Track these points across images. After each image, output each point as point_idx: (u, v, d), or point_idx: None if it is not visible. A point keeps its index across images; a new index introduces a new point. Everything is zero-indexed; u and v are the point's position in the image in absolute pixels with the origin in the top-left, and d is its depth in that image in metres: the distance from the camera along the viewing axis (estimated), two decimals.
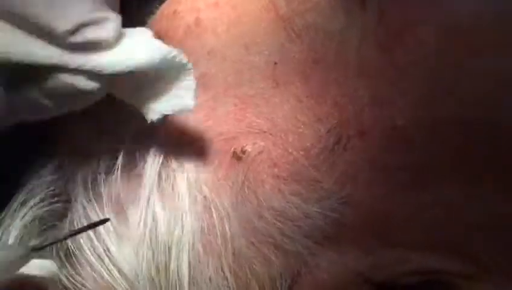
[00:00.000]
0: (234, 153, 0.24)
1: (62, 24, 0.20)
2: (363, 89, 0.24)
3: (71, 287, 0.24)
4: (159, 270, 0.23)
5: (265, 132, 0.24)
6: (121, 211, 0.24)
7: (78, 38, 0.20)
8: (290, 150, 0.24)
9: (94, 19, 0.21)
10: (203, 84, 0.25)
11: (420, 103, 0.23)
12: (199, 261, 0.23)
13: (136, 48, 0.21)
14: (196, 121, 0.25)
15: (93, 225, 0.23)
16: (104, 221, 0.23)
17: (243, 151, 0.24)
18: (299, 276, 0.24)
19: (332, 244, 0.24)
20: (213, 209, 0.23)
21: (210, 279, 0.23)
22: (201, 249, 0.23)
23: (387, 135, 0.23)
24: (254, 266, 0.23)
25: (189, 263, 0.23)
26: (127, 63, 0.21)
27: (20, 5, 0.20)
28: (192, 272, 0.23)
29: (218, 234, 0.23)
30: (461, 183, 0.23)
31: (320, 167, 0.23)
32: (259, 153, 0.24)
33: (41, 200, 0.26)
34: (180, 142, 0.25)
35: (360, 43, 0.24)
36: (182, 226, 0.23)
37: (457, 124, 0.23)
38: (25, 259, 0.22)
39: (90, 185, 0.25)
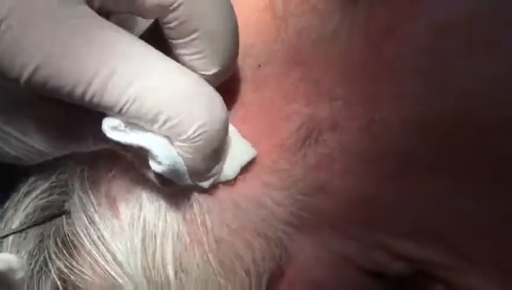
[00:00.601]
0: None
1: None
2: (344, 86, 0.24)
3: (70, 275, 0.26)
4: (147, 259, 0.25)
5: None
6: (114, 204, 0.26)
7: None
8: (260, 148, 0.25)
9: None
10: None
11: (403, 98, 0.23)
12: (186, 250, 0.24)
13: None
14: None
15: (18, 230, 0.25)
16: (29, 226, 0.26)
17: None
18: (281, 261, 0.25)
19: (313, 230, 0.25)
20: (193, 201, 0.25)
21: (198, 265, 0.24)
22: (187, 239, 0.24)
23: (365, 127, 0.24)
24: (238, 252, 0.24)
25: (173, 252, 0.24)
26: None
27: None
28: (180, 260, 0.24)
29: (199, 223, 0.24)
30: (444, 175, 0.23)
31: (290, 159, 0.24)
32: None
33: (43, 192, 0.27)
34: None
35: (348, 39, 0.24)
36: (165, 218, 0.24)
37: (443, 120, 0.23)
38: None
39: (87, 179, 0.26)
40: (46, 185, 0.27)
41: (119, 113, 0.21)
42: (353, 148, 0.24)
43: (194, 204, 0.25)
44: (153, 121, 0.22)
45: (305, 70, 0.25)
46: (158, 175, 0.23)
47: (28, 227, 0.25)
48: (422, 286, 0.25)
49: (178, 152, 0.22)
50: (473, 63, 0.23)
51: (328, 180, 0.24)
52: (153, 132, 0.22)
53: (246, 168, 0.24)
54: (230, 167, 0.24)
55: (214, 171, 0.24)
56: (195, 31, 0.22)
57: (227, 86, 0.25)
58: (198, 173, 0.24)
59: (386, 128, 0.23)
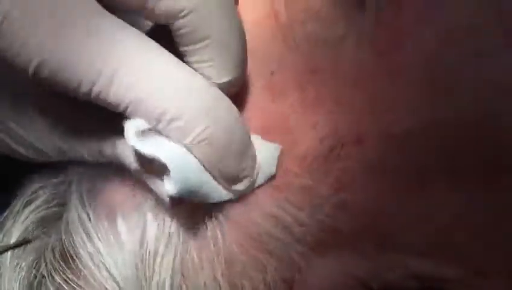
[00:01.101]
0: None
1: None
2: (359, 96, 0.24)
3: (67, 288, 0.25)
4: (145, 276, 0.24)
5: None
6: (113, 216, 0.25)
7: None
8: (282, 159, 0.24)
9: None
10: None
11: (417, 108, 0.23)
12: (193, 267, 0.23)
13: None
14: None
15: (15, 245, 0.25)
16: (26, 241, 0.25)
17: None
18: (293, 282, 0.24)
19: (328, 251, 0.24)
20: (205, 216, 0.24)
21: (205, 285, 0.23)
22: (195, 257, 0.23)
23: (384, 141, 0.23)
24: (247, 271, 0.23)
25: (174, 269, 0.23)
26: None
27: None
28: (186, 278, 0.23)
29: (211, 240, 0.23)
30: (461, 190, 0.23)
31: (313, 174, 0.23)
32: None
33: (44, 203, 0.26)
34: None
35: (356, 48, 0.24)
36: (169, 234, 0.23)
37: (456, 128, 0.23)
38: None
39: (86, 189, 0.25)
40: (46, 195, 0.27)
41: (127, 112, 0.21)
42: (373, 163, 0.23)
43: (207, 219, 0.24)
44: (160, 120, 0.21)
45: (320, 79, 0.24)
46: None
47: (15, 246, 0.25)
48: None
49: (194, 155, 0.22)
50: (481, 70, 0.22)
51: (348, 198, 0.23)
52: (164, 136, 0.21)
53: (265, 182, 0.24)
54: (266, 162, 0.23)
55: (245, 172, 0.23)
56: (205, 38, 0.22)
57: (243, 94, 0.25)
58: (228, 176, 0.23)
59: (403, 142, 0.23)
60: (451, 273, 0.24)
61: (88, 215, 0.25)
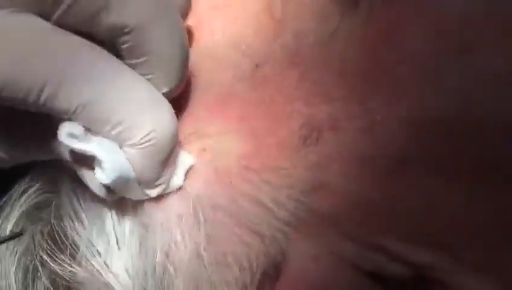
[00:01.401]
0: (204, 148, 0.25)
1: None
2: (341, 86, 0.24)
3: (59, 271, 0.25)
4: (132, 257, 0.25)
5: (237, 129, 0.25)
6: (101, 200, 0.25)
7: None
8: (260, 145, 0.24)
9: None
10: (191, 81, 0.26)
11: (401, 100, 0.23)
12: (176, 246, 0.24)
13: None
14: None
15: (8, 238, 0.25)
16: (19, 233, 0.25)
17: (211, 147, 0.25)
18: (277, 261, 0.24)
19: (310, 231, 0.24)
20: (187, 197, 0.24)
21: (189, 261, 0.24)
22: (178, 235, 0.24)
23: (363, 129, 0.24)
24: (231, 248, 0.24)
25: (161, 247, 0.24)
26: None
27: None
28: (169, 256, 0.24)
29: (192, 220, 0.24)
30: (443, 177, 0.23)
31: (291, 159, 0.24)
32: (229, 148, 0.25)
33: (37, 190, 0.28)
34: None
35: (345, 42, 0.24)
36: (150, 214, 0.24)
37: (442, 121, 0.23)
38: None
39: (76, 179, 0.26)
40: (40, 183, 0.28)
41: (72, 118, 0.22)
42: (353, 149, 0.24)
43: (188, 200, 0.24)
44: (103, 125, 0.22)
45: (303, 71, 0.25)
46: (104, 186, 0.23)
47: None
48: (424, 288, 0.25)
49: (127, 158, 0.23)
50: (470, 64, 0.23)
51: (327, 180, 0.24)
52: (101, 136, 0.23)
53: (245, 166, 0.24)
54: (177, 174, 0.24)
55: (161, 180, 0.24)
56: (145, 54, 0.23)
57: (224, 83, 0.25)
58: (147, 181, 0.24)
59: (385, 129, 0.23)
60: (433, 259, 0.24)
61: (79, 200, 0.26)
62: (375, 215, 0.24)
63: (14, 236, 0.26)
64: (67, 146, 0.22)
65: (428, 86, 0.23)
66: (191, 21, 0.27)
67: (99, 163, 0.22)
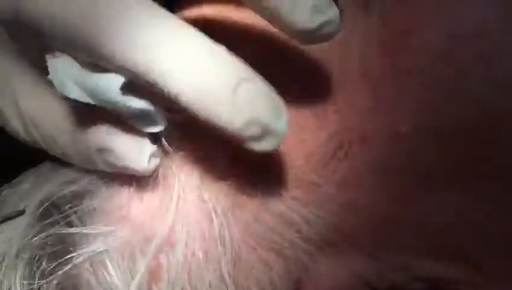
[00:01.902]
0: (233, 157, 0.24)
1: None
2: (365, 95, 0.23)
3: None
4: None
5: None
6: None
7: None
8: (290, 156, 0.23)
9: None
10: None
11: (424, 108, 0.23)
12: (199, 267, 0.23)
13: None
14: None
15: (9, 217, 0.24)
16: (21, 212, 0.24)
17: (244, 156, 0.23)
18: (300, 282, 0.24)
19: (335, 250, 0.24)
20: (212, 214, 0.23)
21: (210, 285, 0.23)
22: (201, 255, 0.23)
23: (390, 141, 0.23)
24: (254, 271, 0.23)
25: (182, 268, 0.23)
26: None
27: None
28: (191, 277, 0.23)
29: (218, 239, 0.23)
30: (467, 190, 0.23)
31: (321, 172, 0.23)
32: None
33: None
34: (182, 147, 0.24)
35: (363, 47, 0.24)
36: (174, 229, 0.23)
37: (463, 131, 0.22)
38: None
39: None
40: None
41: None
42: (380, 163, 0.23)
43: (213, 216, 0.23)
44: None
45: (325, 76, 0.24)
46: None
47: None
48: None
49: None
50: (490, 71, 0.22)
51: (354, 198, 0.23)
52: None
53: (273, 179, 0.23)
54: None
55: None
56: None
57: None
58: None
59: (411, 141, 0.23)
60: (456, 273, 0.24)
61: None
62: (402, 234, 0.23)
63: (15, 215, 0.24)
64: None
65: (449, 93, 0.23)
66: None
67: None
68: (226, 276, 0.23)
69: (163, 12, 0.20)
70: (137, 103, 0.21)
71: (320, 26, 0.20)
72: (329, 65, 0.24)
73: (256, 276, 0.23)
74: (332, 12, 0.20)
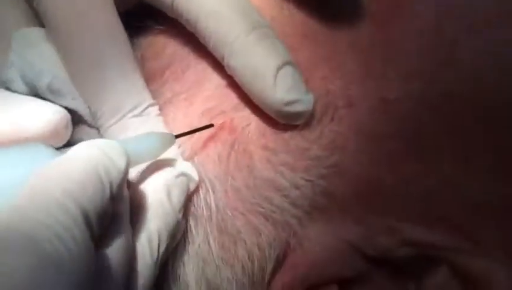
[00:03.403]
0: (223, 125, 0.24)
1: None
2: (353, 62, 0.24)
3: None
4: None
5: (254, 105, 0.24)
6: None
7: None
8: (277, 122, 0.23)
9: None
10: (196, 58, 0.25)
11: (413, 77, 0.23)
12: (190, 232, 0.23)
13: None
14: (183, 98, 0.25)
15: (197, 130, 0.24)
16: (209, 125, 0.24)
17: (231, 124, 0.24)
18: (288, 247, 0.24)
19: (323, 215, 0.24)
20: (199, 180, 0.23)
21: (199, 246, 0.23)
22: (191, 221, 0.23)
23: (378, 107, 0.23)
24: (242, 235, 0.23)
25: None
26: None
27: None
28: (185, 243, 0.23)
29: (203, 205, 0.23)
30: (455, 157, 0.23)
31: (307, 136, 0.23)
32: (247, 125, 0.24)
33: None
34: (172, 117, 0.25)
35: (354, 16, 0.24)
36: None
37: (452, 99, 0.23)
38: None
39: None
40: None
41: None
42: (367, 128, 0.23)
43: (200, 187, 0.23)
44: None
45: (313, 44, 0.24)
46: None
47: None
48: (423, 266, 0.25)
49: None
50: (480, 40, 0.23)
51: (341, 161, 0.23)
52: None
53: (264, 145, 0.23)
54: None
55: None
56: None
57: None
58: None
59: (399, 108, 0.23)
60: (443, 239, 0.24)
61: None
62: (389, 197, 0.24)
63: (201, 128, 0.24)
64: None
65: (439, 62, 0.23)
66: None
67: None
68: (212, 240, 0.23)
69: None
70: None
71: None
72: (317, 35, 0.24)
73: (245, 240, 0.23)
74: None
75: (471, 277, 0.23)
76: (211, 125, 0.24)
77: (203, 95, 0.25)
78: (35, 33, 0.24)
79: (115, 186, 0.18)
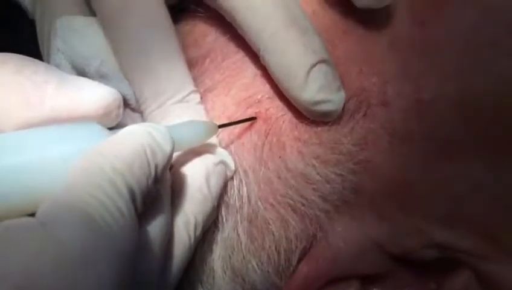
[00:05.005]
0: (258, 115, 0.24)
1: None
2: (391, 61, 0.24)
3: None
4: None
5: None
6: None
7: None
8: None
9: None
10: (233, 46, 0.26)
11: (450, 78, 0.23)
12: (221, 220, 0.24)
13: None
14: (221, 86, 0.25)
15: (239, 121, 0.24)
16: (252, 118, 0.24)
17: (266, 114, 0.24)
18: (314, 239, 0.24)
19: (350, 210, 0.24)
20: (232, 171, 0.24)
21: (228, 235, 0.24)
22: (223, 209, 0.24)
23: (412, 107, 0.23)
24: (270, 227, 0.24)
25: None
26: None
27: None
28: (215, 230, 0.24)
29: (235, 195, 0.24)
30: (487, 161, 0.23)
31: (339, 130, 0.24)
32: (282, 115, 0.24)
33: None
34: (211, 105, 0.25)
35: (394, 15, 0.24)
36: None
37: (488, 102, 0.23)
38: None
39: None
40: None
41: None
42: (400, 127, 0.23)
43: (234, 177, 0.24)
44: None
45: (352, 40, 0.24)
46: None
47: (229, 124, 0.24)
48: (446, 270, 0.25)
49: None
50: None
51: (372, 157, 0.24)
52: None
53: (297, 137, 0.24)
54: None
55: None
56: None
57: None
58: None
59: (434, 109, 0.23)
60: (470, 244, 0.24)
61: None
62: (418, 198, 0.24)
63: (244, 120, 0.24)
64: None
65: (477, 66, 0.23)
66: None
67: None
68: (241, 230, 0.24)
69: None
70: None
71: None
72: (357, 31, 0.24)
73: (272, 231, 0.24)
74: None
75: (495, 283, 0.24)
76: (254, 118, 0.24)
77: (240, 83, 0.25)
78: (80, 20, 0.24)
79: (159, 169, 0.19)
